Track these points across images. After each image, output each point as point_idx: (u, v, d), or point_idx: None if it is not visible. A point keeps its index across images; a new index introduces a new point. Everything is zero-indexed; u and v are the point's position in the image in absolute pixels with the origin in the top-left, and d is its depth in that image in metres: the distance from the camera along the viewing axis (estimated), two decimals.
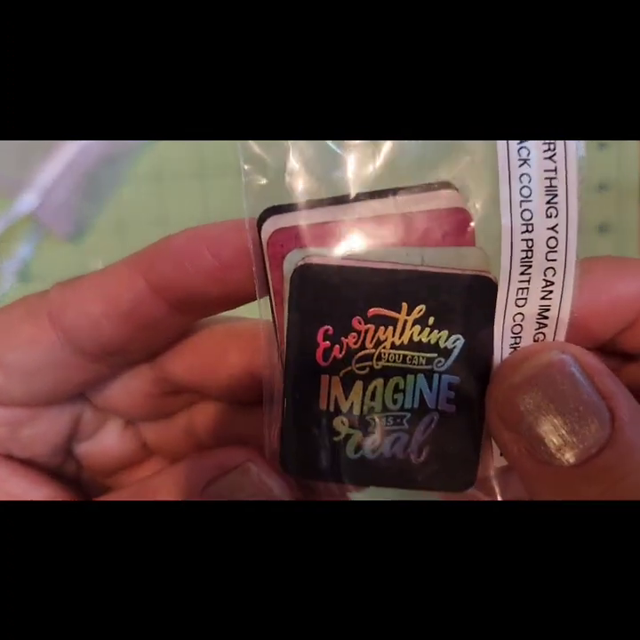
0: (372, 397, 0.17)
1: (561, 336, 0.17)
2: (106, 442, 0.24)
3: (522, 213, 0.16)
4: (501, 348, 0.17)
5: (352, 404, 0.17)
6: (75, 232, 0.43)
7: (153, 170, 0.45)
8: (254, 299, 0.18)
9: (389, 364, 0.17)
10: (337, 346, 0.16)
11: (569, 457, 0.16)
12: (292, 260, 0.17)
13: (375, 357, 0.17)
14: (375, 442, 0.17)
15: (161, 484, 0.19)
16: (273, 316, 0.17)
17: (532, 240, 0.16)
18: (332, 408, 0.17)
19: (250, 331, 0.21)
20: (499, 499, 0.18)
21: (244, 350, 0.20)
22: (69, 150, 0.41)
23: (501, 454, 0.18)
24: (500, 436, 0.17)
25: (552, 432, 0.16)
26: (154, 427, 0.23)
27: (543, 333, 0.17)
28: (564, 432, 0.16)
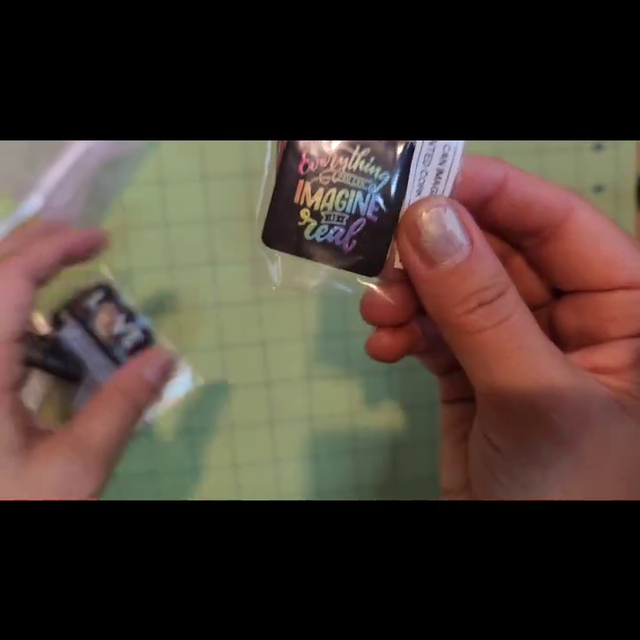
0: (328, 200, 0.27)
1: (448, 190, 0.27)
2: None
3: None
4: (412, 188, 0.27)
5: (314, 202, 0.27)
6: None
7: (156, 173, 0.47)
8: None
9: (342, 180, 0.27)
10: (312, 163, 0.27)
11: (446, 262, 0.26)
12: None
13: (334, 175, 0.27)
14: (324, 230, 0.27)
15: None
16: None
17: None
18: (301, 202, 0.27)
19: None
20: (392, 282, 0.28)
21: None
22: (74, 153, 0.42)
23: (401, 260, 0.28)
24: (403, 246, 0.26)
25: (437, 245, 0.26)
26: None
27: (437, 187, 0.27)
28: (443, 246, 0.26)
